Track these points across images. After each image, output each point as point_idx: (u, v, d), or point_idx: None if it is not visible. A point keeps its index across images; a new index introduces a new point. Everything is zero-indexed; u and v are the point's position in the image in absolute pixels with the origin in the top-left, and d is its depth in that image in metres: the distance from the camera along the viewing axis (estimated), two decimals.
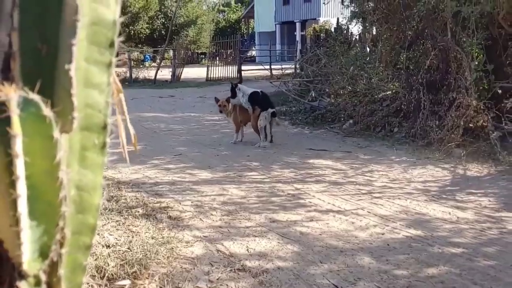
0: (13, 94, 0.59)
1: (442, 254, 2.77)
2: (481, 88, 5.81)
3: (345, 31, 13.42)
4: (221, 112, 6.49)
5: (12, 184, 0.61)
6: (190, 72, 19.72)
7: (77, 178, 0.74)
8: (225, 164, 5.21)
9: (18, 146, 0.60)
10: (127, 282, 2.39)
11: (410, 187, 4.26)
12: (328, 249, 2.87)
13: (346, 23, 11.33)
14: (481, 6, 5.48)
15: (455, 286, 2.39)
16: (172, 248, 2.85)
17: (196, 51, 32.35)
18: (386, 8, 7.26)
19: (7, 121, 0.59)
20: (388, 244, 2.94)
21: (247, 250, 2.88)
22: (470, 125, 5.72)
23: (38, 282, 0.72)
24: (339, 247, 2.90)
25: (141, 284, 2.40)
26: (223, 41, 20.32)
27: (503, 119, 5.65)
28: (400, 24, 7.11)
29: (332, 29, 16.82)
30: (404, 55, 6.99)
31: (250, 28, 40.14)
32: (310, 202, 3.79)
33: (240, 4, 43.86)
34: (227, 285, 2.45)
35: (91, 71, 0.72)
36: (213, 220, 3.39)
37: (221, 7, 43.52)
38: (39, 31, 0.70)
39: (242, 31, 39.68)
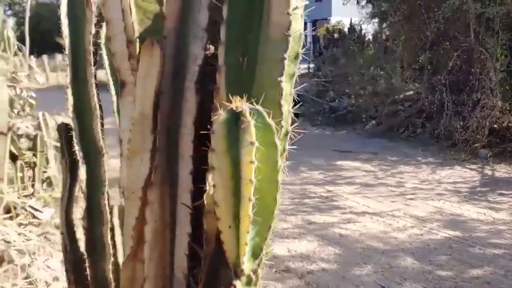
0: (244, 106, 0.65)
1: (484, 255, 2.81)
2: (504, 88, 5.81)
3: (358, 31, 13.38)
4: None
5: (239, 189, 0.67)
6: None
7: None
8: None
9: (254, 153, 0.66)
10: None
11: (441, 188, 4.29)
12: (369, 250, 2.92)
13: (359, 23, 11.30)
14: (507, 6, 5.48)
15: (502, 287, 2.43)
16: None
17: None
18: (407, 9, 7.26)
19: (238, 130, 0.65)
20: (428, 245, 2.98)
21: (288, 251, 2.93)
22: (495, 126, 5.73)
23: (249, 281, 0.78)
24: (380, 248, 2.95)
25: None
26: None
27: None
28: (420, 25, 7.11)
29: (346, 29, 16.75)
30: (426, 56, 6.99)
31: None
32: (345, 204, 3.83)
33: None
34: (274, 286, 2.51)
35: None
36: None
37: None
38: (242, 46, 0.76)
39: None
